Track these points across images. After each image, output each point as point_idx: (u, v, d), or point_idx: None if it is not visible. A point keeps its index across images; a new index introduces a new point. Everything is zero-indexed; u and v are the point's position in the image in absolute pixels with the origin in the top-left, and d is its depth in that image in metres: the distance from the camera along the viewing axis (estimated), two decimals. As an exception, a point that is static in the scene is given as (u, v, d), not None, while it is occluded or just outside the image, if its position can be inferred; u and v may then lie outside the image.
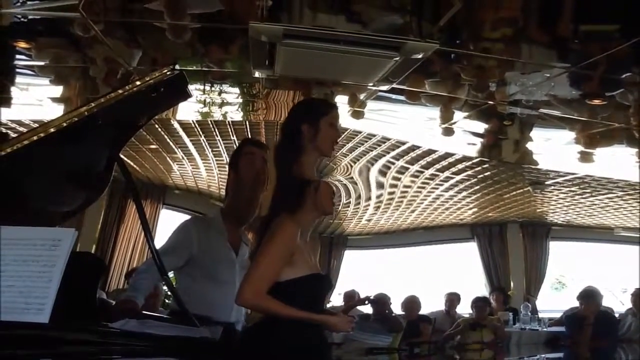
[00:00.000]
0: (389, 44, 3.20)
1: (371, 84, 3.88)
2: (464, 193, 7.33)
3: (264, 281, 1.98)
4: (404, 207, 8.37)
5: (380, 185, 7.18)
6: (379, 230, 10.03)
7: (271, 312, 2.01)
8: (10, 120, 4.83)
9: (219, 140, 5.81)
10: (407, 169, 6.33)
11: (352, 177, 6.82)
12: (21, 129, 4.74)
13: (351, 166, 6.46)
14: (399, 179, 6.80)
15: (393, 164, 6.22)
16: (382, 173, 6.63)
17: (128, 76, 3.79)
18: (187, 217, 6.86)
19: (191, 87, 3.05)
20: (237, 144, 5.79)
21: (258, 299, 1.99)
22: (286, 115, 2.35)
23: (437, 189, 7.15)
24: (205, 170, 7.15)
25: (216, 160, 6.55)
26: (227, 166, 6.73)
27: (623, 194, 6.68)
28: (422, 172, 6.38)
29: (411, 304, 7.08)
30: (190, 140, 5.84)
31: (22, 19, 3.29)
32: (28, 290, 1.63)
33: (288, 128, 2.23)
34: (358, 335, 6.46)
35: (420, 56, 3.30)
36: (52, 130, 1.96)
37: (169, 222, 7.83)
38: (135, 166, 6.75)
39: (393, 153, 5.86)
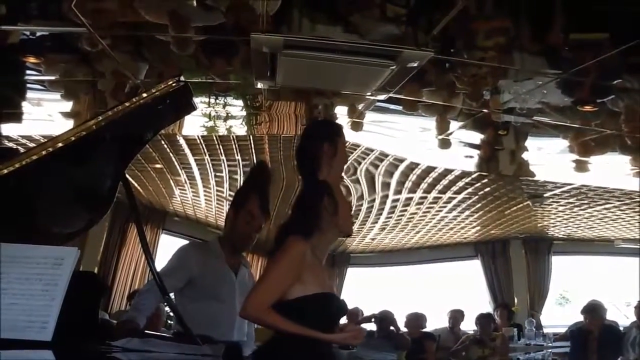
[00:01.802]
0: (385, 53, 3.27)
1: (369, 94, 3.94)
2: (467, 212, 7.33)
3: (268, 295, 1.98)
4: (409, 229, 8.39)
5: (389, 210, 7.20)
6: (383, 249, 10.00)
7: (273, 327, 2.00)
8: (20, 136, 4.89)
9: (223, 160, 5.85)
10: (411, 198, 6.38)
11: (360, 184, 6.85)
12: (31, 144, 4.79)
13: (356, 187, 6.48)
14: (405, 210, 6.83)
15: (400, 191, 6.25)
16: (389, 194, 6.64)
17: (135, 89, 3.86)
18: (186, 242, 6.87)
19: (196, 101, 3.10)
20: (244, 172, 5.88)
21: (260, 313, 1.99)
22: (290, 130, 2.37)
23: (441, 211, 7.18)
24: (204, 200, 7.20)
25: (217, 189, 6.59)
26: (224, 200, 6.74)
27: (620, 204, 6.67)
28: (425, 197, 6.41)
29: (415, 320, 6.98)
30: (195, 160, 5.87)
31: (30, 36, 3.38)
32: (31, 308, 1.63)
33: (308, 146, 2.23)
34: (362, 353, 6.39)
35: (415, 64, 3.36)
36: (60, 145, 1.92)
37: (168, 247, 7.82)
38: (138, 187, 6.79)
39: (397, 172, 5.88)
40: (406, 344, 6.38)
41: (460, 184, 6.06)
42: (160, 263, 2.85)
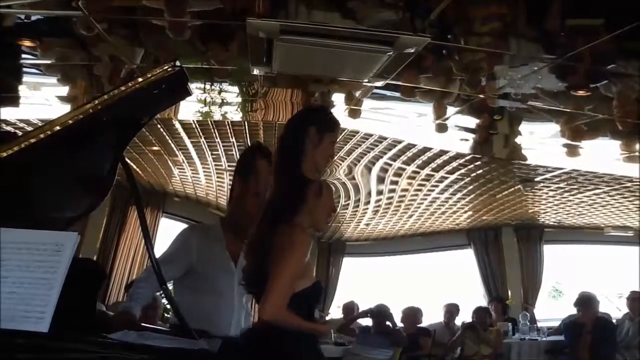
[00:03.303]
0: (382, 38, 3.22)
1: (366, 80, 3.88)
2: (459, 195, 7.27)
3: (286, 295, 1.96)
4: (402, 211, 8.32)
5: (378, 190, 7.15)
6: (377, 236, 9.95)
7: (290, 326, 1.98)
8: (19, 120, 4.82)
9: (218, 142, 5.81)
10: (404, 169, 6.31)
11: (352, 178, 6.81)
12: (30, 128, 4.73)
13: (350, 168, 6.44)
14: (396, 182, 6.77)
15: (390, 165, 6.20)
16: (380, 175, 6.60)
17: (132, 74, 3.80)
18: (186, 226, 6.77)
19: (192, 86, 3.05)
20: (239, 152, 5.84)
21: (281, 314, 1.95)
22: (286, 117, 2.27)
23: (433, 190, 7.10)
24: (204, 177, 7.14)
25: (215, 164, 6.55)
26: (224, 172, 6.70)
27: (609, 189, 6.67)
28: (418, 172, 6.35)
29: (411, 316, 6.93)
30: (191, 142, 5.84)
31: (25, 20, 3.31)
32: (29, 297, 1.58)
33: (295, 125, 2.17)
34: (359, 349, 6.31)
35: (413, 50, 3.31)
36: (57, 128, 1.91)
37: (168, 232, 7.72)
38: (137, 170, 6.74)
39: (390, 153, 5.84)
40: (402, 341, 6.30)
41: (454, 164, 6.00)
42: (160, 248, 2.77)
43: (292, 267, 1.98)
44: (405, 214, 8.52)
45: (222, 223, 2.84)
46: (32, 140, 1.89)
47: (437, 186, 6.84)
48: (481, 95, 4.13)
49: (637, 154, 5.16)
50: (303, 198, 2.04)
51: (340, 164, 6.19)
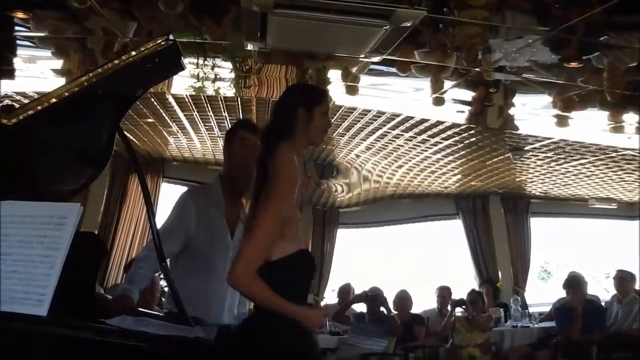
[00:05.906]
0: (378, 12, 3.14)
1: (362, 56, 3.79)
2: (449, 158, 7.14)
3: (257, 258, 1.77)
4: (391, 153, 7.89)
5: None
6: (366, 198, 9.72)
7: (258, 297, 1.80)
8: (15, 92, 4.71)
9: (211, 115, 5.72)
10: (401, 135, 6.21)
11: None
12: (26, 101, 4.63)
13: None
14: (392, 142, 6.65)
15: (388, 133, 6.11)
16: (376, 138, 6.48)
17: (125, 48, 3.70)
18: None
19: (185, 61, 2.96)
20: (231, 125, 5.72)
21: (249, 279, 1.75)
22: (279, 94, 2.14)
23: (426, 151, 6.98)
24: (199, 142, 7.05)
25: (208, 133, 6.47)
26: (218, 138, 6.62)
27: (595, 159, 6.64)
28: (414, 137, 6.26)
29: (403, 300, 6.74)
30: (184, 115, 5.74)
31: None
32: (29, 277, 1.49)
33: (282, 109, 2.03)
34: (353, 339, 6.14)
35: (409, 24, 3.23)
36: (53, 100, 1.87)
37: (170, 195, 7.35)
38: (134, 140, 6.62)
39: (388, 125, 5.75)
40: (397, 329, 6.14)
41: (449, 132, 5.92)
42: (163, 214, 2.72)
43: (273, 214, 1.80)
44: (395, 163, 8.14)
45: (221, 179, 2.78)
46: (30, 112, 1.86)
47: (430, 148, 6.71)
48: (477, 69, 4.07)
49: (623, 124, 5.15)
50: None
51: (340, 140, 6.10)
